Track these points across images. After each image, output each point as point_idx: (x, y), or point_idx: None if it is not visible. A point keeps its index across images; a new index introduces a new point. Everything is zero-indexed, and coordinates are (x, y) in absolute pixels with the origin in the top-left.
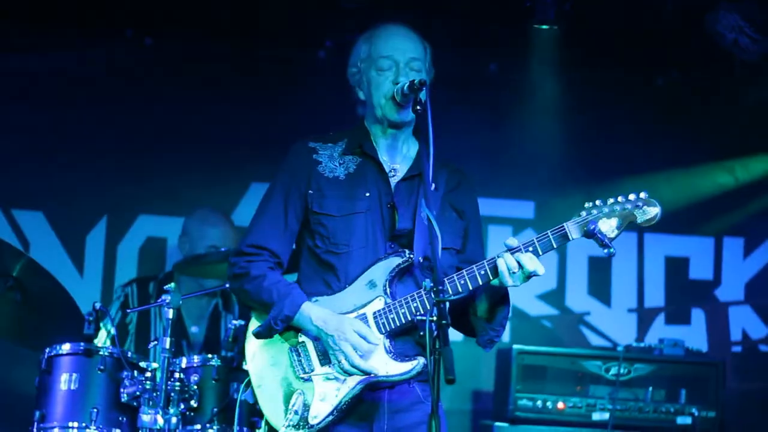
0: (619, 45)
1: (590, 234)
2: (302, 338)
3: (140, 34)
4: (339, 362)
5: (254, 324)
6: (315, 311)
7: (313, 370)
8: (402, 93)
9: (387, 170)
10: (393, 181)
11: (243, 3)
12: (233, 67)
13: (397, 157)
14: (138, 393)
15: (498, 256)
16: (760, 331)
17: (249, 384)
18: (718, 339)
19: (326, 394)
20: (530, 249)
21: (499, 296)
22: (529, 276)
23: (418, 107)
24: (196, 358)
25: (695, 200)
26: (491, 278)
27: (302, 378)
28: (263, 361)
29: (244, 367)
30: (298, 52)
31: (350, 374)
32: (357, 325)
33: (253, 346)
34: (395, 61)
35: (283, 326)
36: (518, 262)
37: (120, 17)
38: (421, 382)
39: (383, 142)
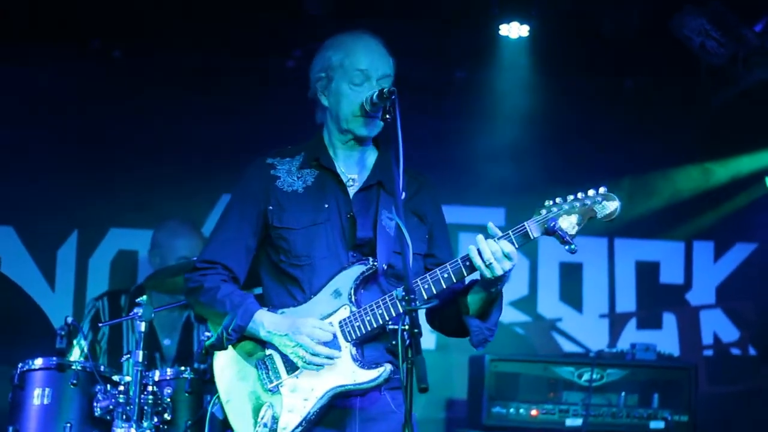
0: (586, 49)
1: (551, 231)
2: (269, 350)
3: (108, 47)
4: (302, 357)
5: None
6: (267, 318)
7: (280, 381)
8: (371, 102)
9: (345, 180)
10: (351, 191)
11: (211, 14)
12: (202, 78)
13: (355, 167)
14: (111, 407)
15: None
16: (732, 335)
17: (218, 399)
18: (690, 343)
19: (294, 405)
20: None
21: (495, 295)
22: (506, 256)
23: (388, 116)
24: (169, 371)
25: (664, 204)
26: (465, 275)
27: (270, 390)
28: (231, 375)
29: None
30: (266, 62)
31: (315, 365)
32: (310, 320)
33: (220, 360)
34: (368, 77)
35: (236, 336)
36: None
37: (86, 30)
38: (391, 390)
39: (342, 153)
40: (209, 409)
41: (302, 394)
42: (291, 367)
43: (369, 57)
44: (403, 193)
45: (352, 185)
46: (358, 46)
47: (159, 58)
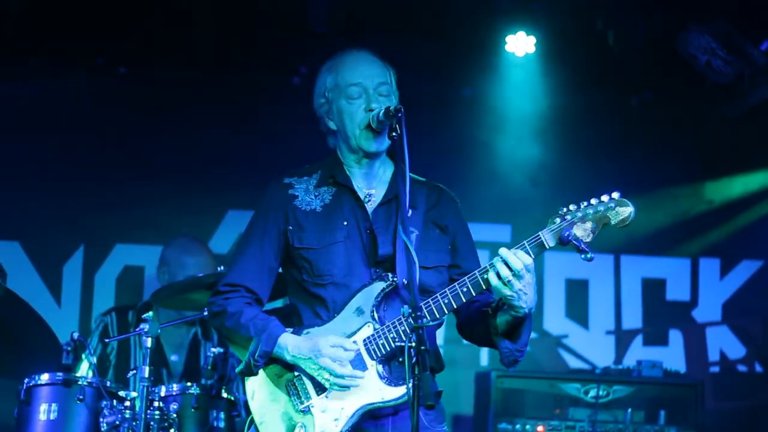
0: (592, 67)
1: (565, 241)
2: (297, 372)
3: (114, 63)
4: (326, 380)
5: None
6: (291, 341)
7: (311, 402)
8: (378, 120)
9: (362, 197)
10: (369, 207)
11: (217, 30)
12: (208, 95)
13: (373, 182)
14: (118, 422)
15: (489, 266)
16: (738, 351)
17: (252, 422)
18: (696, 360)
19: (326, 425)
20: None
21: (521, 317)
22: (525, 268)
23: (394, 134)
24: (175, 387)
25: (671, 222)
26: (483, 288)
27: (302, 411)
28: (263, 397)
29: (229, 395)
30: (272, 78)
31: (341, 386)
32: (331, 338)
33: (252, 383)
34: (364, 88)
35: (263, 362)
36: (509, 266)
37: (93, 46)
38: (423, 407)
39: (358, 171)
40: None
41: (333, 414)
42: (320, 388)
43: (358, 69)
44: (415, 205)
45: (369, 200)
46: (347, 62)
47: (165, 75)
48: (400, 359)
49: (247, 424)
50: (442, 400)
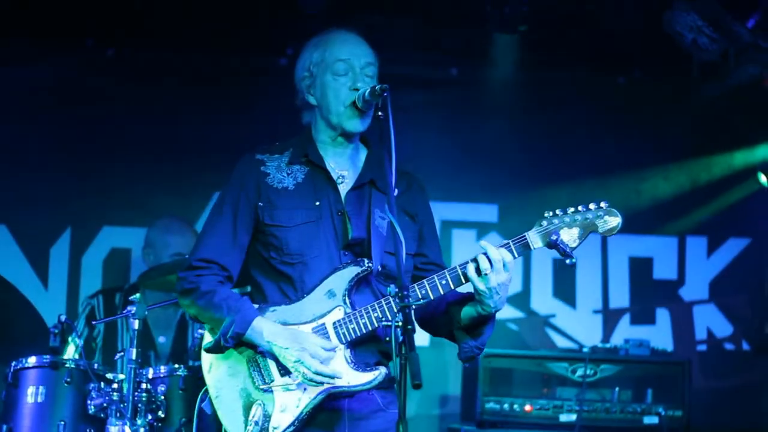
0: (579, 46)
1: (552, 244)
2: (261, 350)
3: (102, 45)
4: (302, 373)
5: (207, 338)
6: (267, 327)
7: (273, 381)
8: (364, 99)
9: (335, 177)
10: (342, 188)
11: (204, 12)
12: (195, 76)
13: (346, 163)
14: (105, 405)
15: (471, 260)
16: (725, 330)
17: (206, 393)
18: (684, 338)
19: (287, 405)
20: None
21: (488, 316)
22: (504, 267)
23: (380, 113)
24: (162, 369)
25: (658, 200)
26: (463, 282)
27: (262, 389)
28: (221, 371)
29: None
30: (259, 60)
31: (316, 382)
32: (311, 336)
33: (209, 356)
34: (351, 66)
35: (233, 343)
36: (489, 260)
37: (81, 28)
38: (380, 390)
39: (331, 149)
40: (197, 404)
41: (295, 395)
42: (284, 369)
43: (347, 47)
44: (396, 190)
45: (342, 182)
46: (336, 39)
47: (152, 57)
48: (387, 339)
49: (200, 396)
50: (431, 380)
